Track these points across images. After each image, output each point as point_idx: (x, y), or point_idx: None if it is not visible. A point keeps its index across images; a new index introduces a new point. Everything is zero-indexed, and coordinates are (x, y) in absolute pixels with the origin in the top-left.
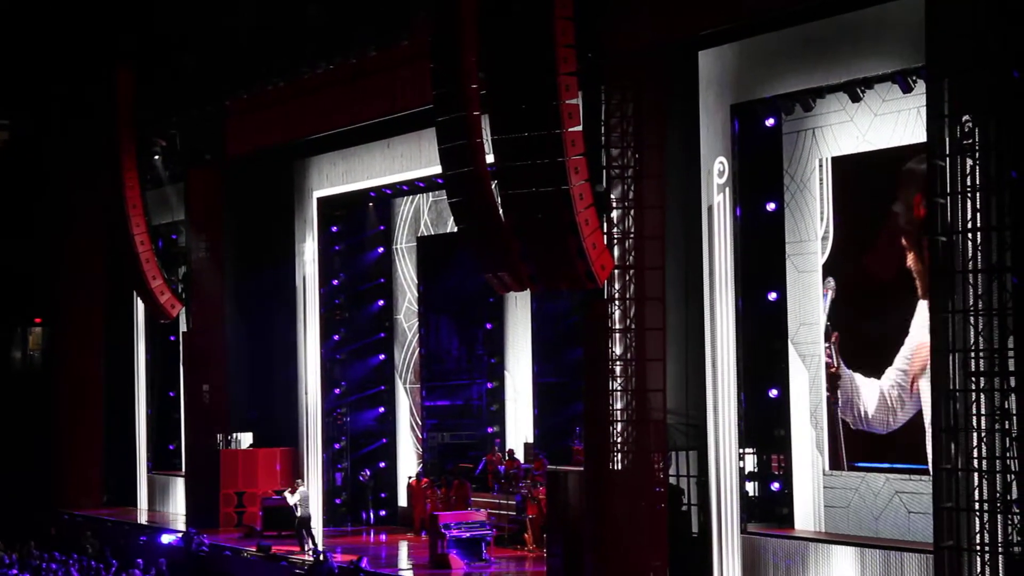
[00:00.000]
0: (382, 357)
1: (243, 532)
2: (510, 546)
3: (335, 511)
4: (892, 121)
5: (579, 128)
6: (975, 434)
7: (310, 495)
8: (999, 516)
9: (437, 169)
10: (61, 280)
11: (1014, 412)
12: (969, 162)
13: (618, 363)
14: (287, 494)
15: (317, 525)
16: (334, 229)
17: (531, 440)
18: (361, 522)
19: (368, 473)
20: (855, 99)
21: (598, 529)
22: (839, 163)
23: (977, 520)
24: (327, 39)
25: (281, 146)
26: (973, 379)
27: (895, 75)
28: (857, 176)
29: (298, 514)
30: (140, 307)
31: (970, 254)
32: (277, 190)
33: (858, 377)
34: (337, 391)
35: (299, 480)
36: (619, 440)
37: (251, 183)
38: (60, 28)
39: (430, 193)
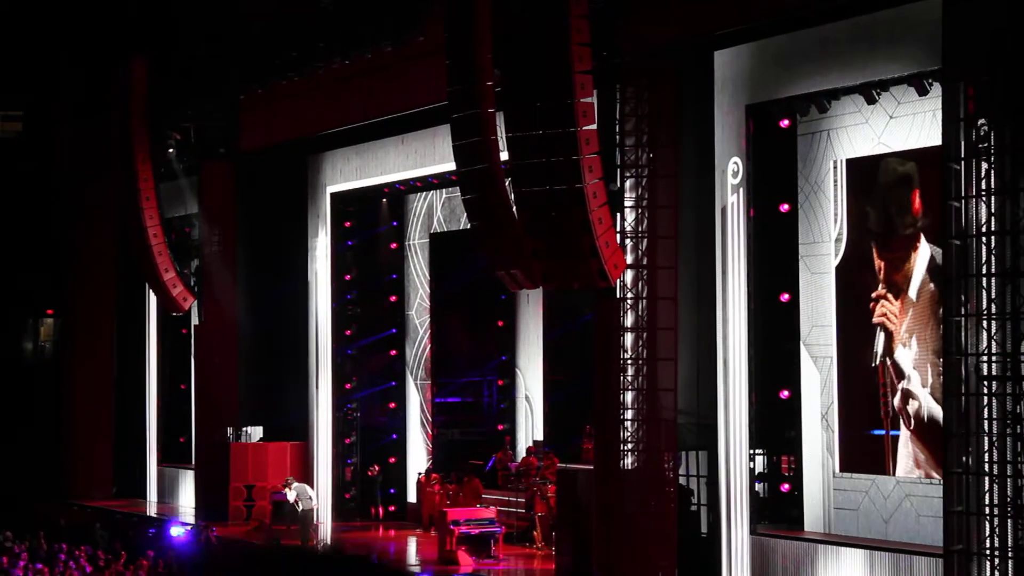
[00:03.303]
0: (393, 353)
1: (252, 526)
2: (519, 544)
3: (344, 506)
4: (907, 124)
5: (594, 127)
6: (986, 438)
7: (306, 488)
8: (1009, 520)
9: (451, 166)
10: (73, 272)
11: None
12: (984, 165)
13: (630, 362)
14: (286, 491)
15: (326, 519)
16: (347, 224)
17: (540, 438)
18: (370, 517)
19: (377, 468)
20: (870, 101)
21: (607, 527)
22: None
23: (987, 524)
24: (342, 34)
25: (295, 141)
26: (985, 383)
27: (911, 78)
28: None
29: (300, 508)
30: (152, 300)
31: (984, 258)
32: (291, 185)
33: None
34: (348, 386)
35: (289, 478)
36: (630, 439)
37: (265, 177)
38: (74, 20)
39: (443, 189)
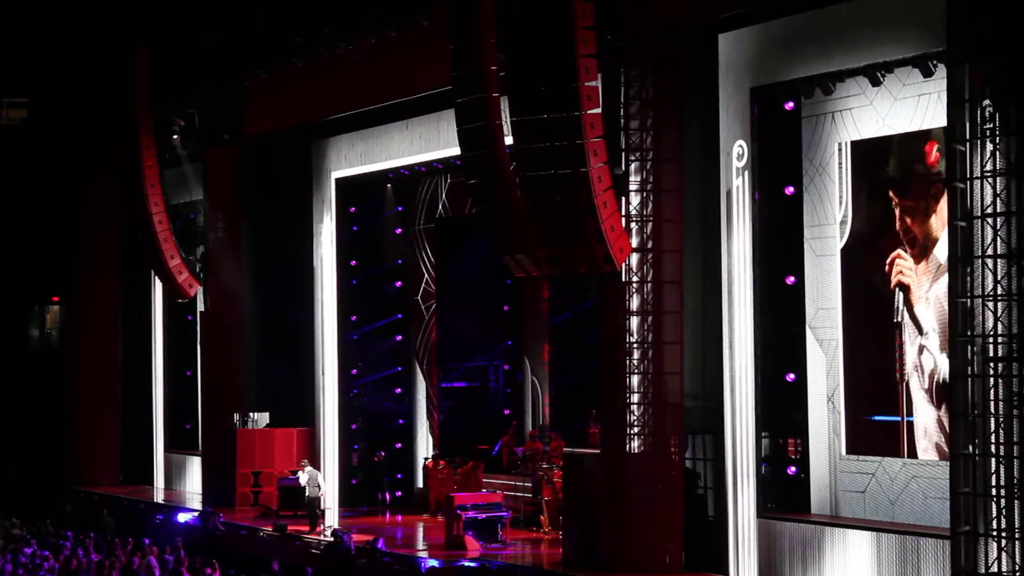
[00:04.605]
0: (399, 338)
1: (259, 511)
2: (526, 528)
3: (351, 491)
4: (912, 105)
5: (598, 110)
6: (993, 419)
7: (318, 474)
8: (1016, 501)
9: (456, 150)
10: (79, 259)
11: None
12: (989, 147)
13: (635, 346)
14: (299, 474)
15: (333, 505)
16: (352, 210)
17: (546, 422)
18: (377, 503)
19: (383, 454)
20: (875, 83)
21: (614, 512)
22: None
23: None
24: (346, 19)
25: (300, 126)
26: (991, 364)
27: (915, 59)
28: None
29: (307, 494)
30: (158, 286)
31: (989, 239)
32: (296, 170)
33: None
34: (354, 371)
35: (304, 461)
36: (636, 423)
37: (270, 163)
38: (79, 6)
39: (448, 174)
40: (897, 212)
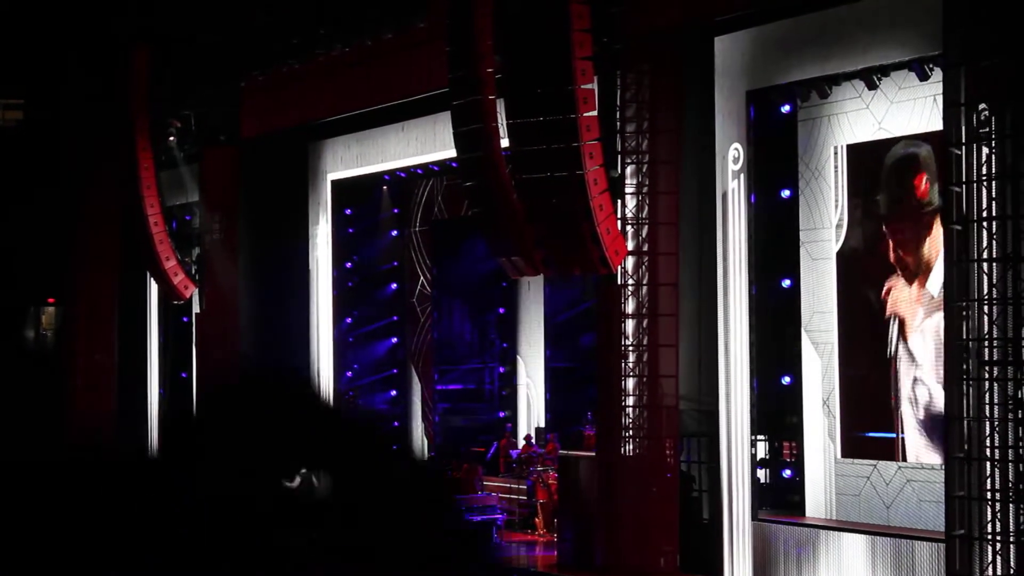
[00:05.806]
0: (394, 340)
1: None
2: (521, 530)
3: None
4: (908, 109)
5: (594, 113)
6: (988, 423)
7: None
8: (1011, 505)
9: (452, 153)
10: (74, 260)
11: None
12: (985, 151)
13: (631, 349)
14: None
15: None
16: (348, 212)
17: (541, 425)
18: None
19: None
20: (871, 86)
21: (609, 514)
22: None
23: (989, 509)
24: (343, 20)
25: (296, 128)
26: (987, 368)
27: (912, 63)
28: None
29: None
30: (153, 288)
31: (985, 243)
32: (292, 172)
33: None
34: (349, 373)
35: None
36: (631, 426)
37: (266, 165)
38: (77, 6)
39: (445, 177)
40: (891, 244)
